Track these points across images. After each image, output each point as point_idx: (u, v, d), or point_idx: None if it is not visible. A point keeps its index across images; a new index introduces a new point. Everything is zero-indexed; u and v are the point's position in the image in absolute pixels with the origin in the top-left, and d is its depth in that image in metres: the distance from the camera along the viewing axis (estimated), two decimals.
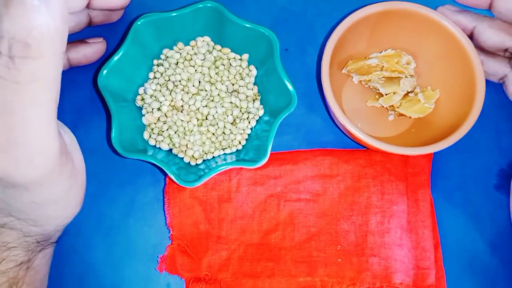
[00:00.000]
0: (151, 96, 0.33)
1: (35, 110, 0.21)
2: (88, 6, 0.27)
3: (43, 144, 0.22)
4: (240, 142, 0.33)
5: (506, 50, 0.32)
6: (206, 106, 0.33)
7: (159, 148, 0.32)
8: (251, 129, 0.33)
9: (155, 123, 0.32)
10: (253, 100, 0.33)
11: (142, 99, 0.33)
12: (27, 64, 0.19)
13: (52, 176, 0.23)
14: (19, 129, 0.21)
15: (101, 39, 0.33)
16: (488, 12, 0.33)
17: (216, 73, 0.33)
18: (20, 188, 0.23)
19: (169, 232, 0.33)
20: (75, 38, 0.33)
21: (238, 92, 0.33)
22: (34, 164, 0.22)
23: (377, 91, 0.34)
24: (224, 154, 0.33)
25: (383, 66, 0.34)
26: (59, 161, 0.23)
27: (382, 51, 0.34)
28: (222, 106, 0.33)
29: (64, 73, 0.32)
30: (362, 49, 0.35)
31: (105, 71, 0.30)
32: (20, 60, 0.19)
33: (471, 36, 0.33)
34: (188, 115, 0.32)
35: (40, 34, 0.19)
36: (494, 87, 0.36)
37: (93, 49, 0.33)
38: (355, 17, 0.31)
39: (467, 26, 0.32)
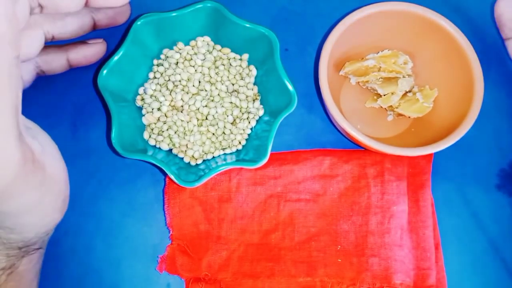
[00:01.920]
0: (151, 96, 0.33)
1: None
2: (86, 5, 0.27)
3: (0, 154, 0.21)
4: (240, 142, 0.33)
5: None
6: (206, 106, 0.33)
7: (159, 148, 0.32)
8: (251, 129, 0.33)
9: (155, 123, 0.32)
10: (253, 100, 0.33)
11: (142, 99, 0.33)
12: None
13: (15, 187, 0.22)
14: None
15: (101, 40, 0.33)
16: None
17: (216, 73, 0.33)
18: None
19: (169, 232, 0.33)
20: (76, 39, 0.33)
21: (238, 92, 0.33)
22: None
23: (375, 92, 0.34)
24: (224, 154, 0.33)
25: (380, 67, 0.34)
26: (23, 170, 0.22)
27: (378, 52, 0.34)
28: (222, 106, 0.33)
29: (64, 74, 0.33)
30: (359, 50, 0.35)
31: (105, 71, 0.30)
32: None
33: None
34: (188, 115, 0.32)
35: None
36: (494, 86, 0.36)
37: (93, 50, 0.33)
38: (352, 19, 0.31)
39: None
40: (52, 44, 0.31)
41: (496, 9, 0.33)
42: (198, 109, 0.32)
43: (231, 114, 0.33)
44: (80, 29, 0.30)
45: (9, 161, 0.21)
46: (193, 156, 0.32)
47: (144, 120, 0.32)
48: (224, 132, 0.33)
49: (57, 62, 0.31)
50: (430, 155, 0.34)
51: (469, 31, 0.34)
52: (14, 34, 0.19)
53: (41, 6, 0.24)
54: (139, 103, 0.33)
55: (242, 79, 0.33)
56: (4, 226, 0.24)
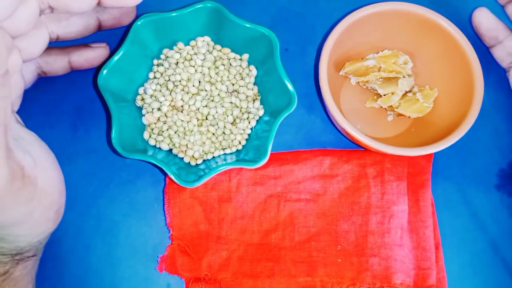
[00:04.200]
0: (151, 96, 0.33)
1: None
2: (98, 4, 0.26)
3: None
4: (240, 142, 0.33)
5: None
6: (206, 106, 0.33)
7: (159, 148, 0.32)
8: (251, 129, 0.33)
9: (155, 123, 0.32)
10: (253, 100, 0.33)
11: (142, 99, 0.33)
12: None
13: (3, 202, 0.22)
14: None
15: (104, 44, 0.33)
16: None
17: (216, 73, 0.33)
18: None
19: (169, 232, 0.33)
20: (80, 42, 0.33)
21: (238, 92, 0.33)
22: None
23: (375, 92, 0.34)
24: (224, 154, 0.33)
25: (380, 67, 0.34)
26: (10, 188, 0.22)
27: (379, 52, 0.34)
28: (222, 106, 0.33)
29: (65, 74, 0.33)
30: (359, 50, 0.35)
31: (105, 71, 0.30)
32: None
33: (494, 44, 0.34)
34: (188, 115, 0.32)
35: None
36: (494, 87, 0.36)
37: (95, 54, 0.32)
38: (352, 19, 0.31)
39: (498, 37, 0.33)
40: (54, 46, 0.31)
41: (474, 21, 0.34)
42: (198, 109, 0.32)
43: (231, 114, 0.33)
44: (85, 29, 0.30)
45: None
46: (193, 156, 0.32)
47: (144, 120, 0.32)
48: (224, 132, 0.33)
49: (58, 63, 0.31)
50: (430, 155, 0.34)
51: (469, 31, 0.34)
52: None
53: (51, 8, 0.24)
54: (139, 103, 0.33)
55: (242, 79, 0.33)
56: None
